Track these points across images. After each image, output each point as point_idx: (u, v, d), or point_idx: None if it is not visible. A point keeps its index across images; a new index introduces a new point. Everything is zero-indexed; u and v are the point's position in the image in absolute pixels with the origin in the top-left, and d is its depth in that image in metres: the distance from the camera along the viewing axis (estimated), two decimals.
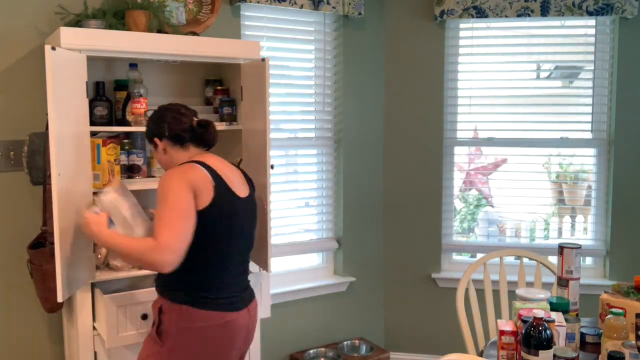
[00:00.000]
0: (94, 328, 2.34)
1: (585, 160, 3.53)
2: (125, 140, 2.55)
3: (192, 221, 1.85)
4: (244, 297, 2.06)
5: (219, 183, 1.93)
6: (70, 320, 2.46)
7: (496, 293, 3.04)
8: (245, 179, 2.14)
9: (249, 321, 2.06)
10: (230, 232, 1.97)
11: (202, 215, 1.87)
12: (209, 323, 1.92)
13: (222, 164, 2.03)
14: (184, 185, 1.85)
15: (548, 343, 1.72)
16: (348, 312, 3.60)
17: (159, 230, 1.80)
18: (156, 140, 2.06)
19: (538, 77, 3.58)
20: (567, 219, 3.67)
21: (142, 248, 1.80)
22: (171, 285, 1.95)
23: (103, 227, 1.95)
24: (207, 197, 1.88)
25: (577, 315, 2.15)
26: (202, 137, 2.04)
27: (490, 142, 3.53)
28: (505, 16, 3.32)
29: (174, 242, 1.78)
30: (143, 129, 2.40)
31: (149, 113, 2.37)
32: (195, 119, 2.04)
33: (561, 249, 2.24)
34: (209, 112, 2.79)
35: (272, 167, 2.49)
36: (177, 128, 2.00)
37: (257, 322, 2.66)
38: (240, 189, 2.03)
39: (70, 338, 2.49)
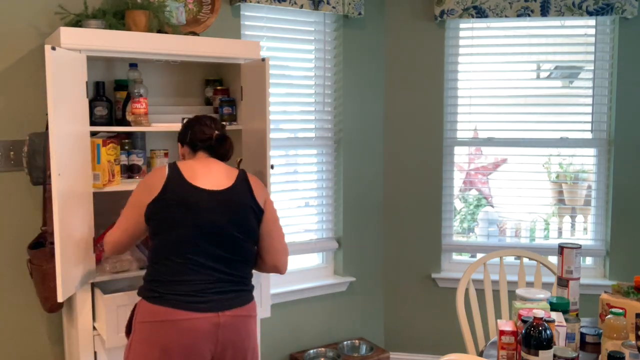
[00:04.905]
0: (94, 328, 2.34)
1: (585, 160, 3.53)
2: (125, 140, 2.56)
3: (136, 215, 1.97)
4: (219, 300, 1.89)
5: (173, 175, 1.96)
6: (70, 320, 2.46)
7: (496, 293, 3.04)
8: (241, 180, 2.05)
9: (218, 328, 1.87)
10: (185, 222, 1.90)
11: (151, 206, 1.95)
12: (156, 319, 1.84)
13: (201, 164, 2.03)
14: (142, 186, 2.00)
15: (548, 343, 1.72)
16: (348, 312, 3.60)
17: None
18: (179, 145, 2.17)
19: (538, 77, 3.58)
20: (567, 219, 3.67)
21: None
22: (142, 278, 2.01)
23: None
24: (157, 190, 1.95)
25: (577, 315, 2.15)
26: (215, 150, 2.11)
27: (490, 142, 3.53)
28: (505, 16, 3.31)
29: (110, 236, 2.02)
30: (143, 129, 2.42)
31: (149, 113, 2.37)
32: (217, 133, 2.10)
33: (561, 249, 2.24)
34: (209, 112, 2.79)
35: (272, 167, 2.49)
36: (197, 137, 2.09)
37: (258, 330, 2.54)
38: (210, 182, 1.97)
39: (70, 338, 2.49)
